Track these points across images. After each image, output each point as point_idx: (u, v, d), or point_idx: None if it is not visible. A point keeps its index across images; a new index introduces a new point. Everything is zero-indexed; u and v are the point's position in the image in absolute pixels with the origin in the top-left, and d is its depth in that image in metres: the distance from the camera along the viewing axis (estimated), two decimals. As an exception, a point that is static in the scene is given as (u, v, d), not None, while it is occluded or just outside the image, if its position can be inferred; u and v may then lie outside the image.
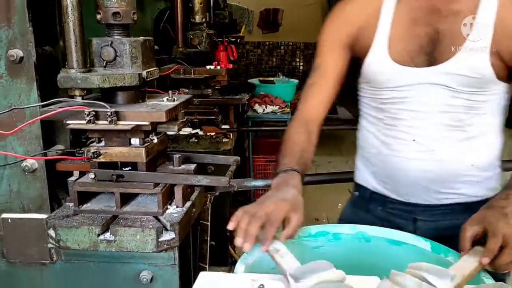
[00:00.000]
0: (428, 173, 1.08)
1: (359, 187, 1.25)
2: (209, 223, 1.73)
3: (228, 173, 1.36)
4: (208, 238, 1.75)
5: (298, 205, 0.90)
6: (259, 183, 1.78)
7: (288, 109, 3.55)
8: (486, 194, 1.12)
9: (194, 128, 2.37)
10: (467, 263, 0.84)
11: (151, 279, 1.22)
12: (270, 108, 3.46)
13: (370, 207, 1.21)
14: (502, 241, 0.82)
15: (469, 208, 1.09)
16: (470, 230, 0.87)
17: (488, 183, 1.13)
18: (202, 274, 0.78)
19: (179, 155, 1.33)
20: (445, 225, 1.10)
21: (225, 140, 2.33)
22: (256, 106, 3.46)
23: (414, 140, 1.07)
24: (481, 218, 0.89)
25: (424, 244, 0.96)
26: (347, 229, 1.03)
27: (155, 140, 1.26)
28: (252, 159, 3.43)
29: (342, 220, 1.25)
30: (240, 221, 0.85)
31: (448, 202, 1.11)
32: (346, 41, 1.13)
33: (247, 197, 3.50)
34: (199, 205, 1.44)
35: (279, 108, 3.52)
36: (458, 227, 0.94)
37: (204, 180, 1.28)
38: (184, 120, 1.35)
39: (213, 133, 2.30)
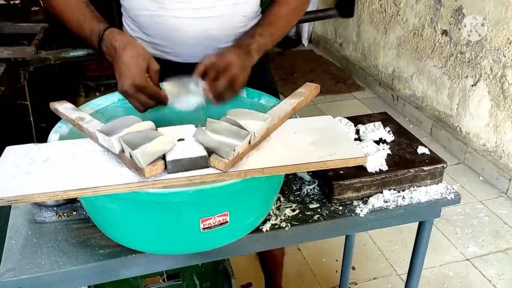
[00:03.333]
0: (207, 32, 1.06)
1: None
2: (28, 103, 1.59)
3: (34, 42, 1.21)
4: (31, 119, 1.62)
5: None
6: (79, 52, 1.64)
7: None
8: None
9: (-7, -3, 2.01)
10: (285, 105, 0.90)
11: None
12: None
13: None
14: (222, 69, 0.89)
15: None
16: (208, 59, 0.91)
17: None
18: (7, 149, 0.73)
19: (-32, 25, 1.13)
20: None
21: (34, 8, 2.04)
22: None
23: None
24: (223, 52, 0.92)
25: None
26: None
27: None
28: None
29: None
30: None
31: None
32: None
33: (81, 71, 3.24)
34: (8, 83, 1.29)
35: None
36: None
37: (4, 52, 1.12)
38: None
39: (17, 1, 1.99)
